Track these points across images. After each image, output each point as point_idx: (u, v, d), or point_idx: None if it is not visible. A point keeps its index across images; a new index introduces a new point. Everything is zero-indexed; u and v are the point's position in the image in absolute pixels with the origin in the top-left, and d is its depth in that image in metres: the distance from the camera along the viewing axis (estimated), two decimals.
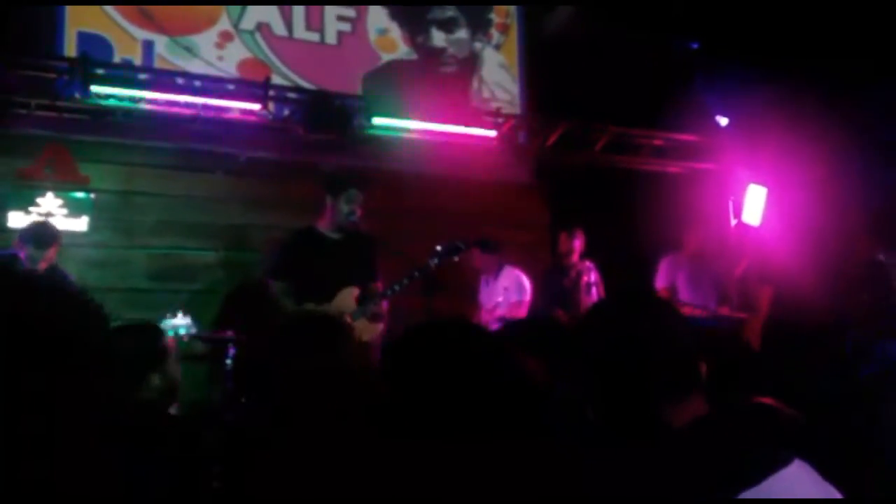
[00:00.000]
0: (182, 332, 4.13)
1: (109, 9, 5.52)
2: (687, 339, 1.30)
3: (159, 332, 2.49)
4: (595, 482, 1.13)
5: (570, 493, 1.13)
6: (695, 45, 6.70)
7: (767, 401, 1.27)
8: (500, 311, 5.35)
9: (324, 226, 4.44)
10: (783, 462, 1.11)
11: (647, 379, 1.24)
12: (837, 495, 1.17)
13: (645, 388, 1.24)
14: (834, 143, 5.82)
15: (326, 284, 4.29)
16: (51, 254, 4.24)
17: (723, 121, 6.64)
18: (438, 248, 4.43)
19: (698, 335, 1.33)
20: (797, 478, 1.13)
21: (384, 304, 4.37)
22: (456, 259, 4.55)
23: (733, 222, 6.70)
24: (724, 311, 5.47)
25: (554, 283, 5.60)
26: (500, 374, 1.26)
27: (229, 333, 4.54)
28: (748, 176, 6.51)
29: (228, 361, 4.45)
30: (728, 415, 1.20)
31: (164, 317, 4.08)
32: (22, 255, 4.18)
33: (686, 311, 4.83)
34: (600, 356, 1.30)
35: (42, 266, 4.17)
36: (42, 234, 4.26)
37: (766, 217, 6.37)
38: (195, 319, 4.28)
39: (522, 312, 5.43)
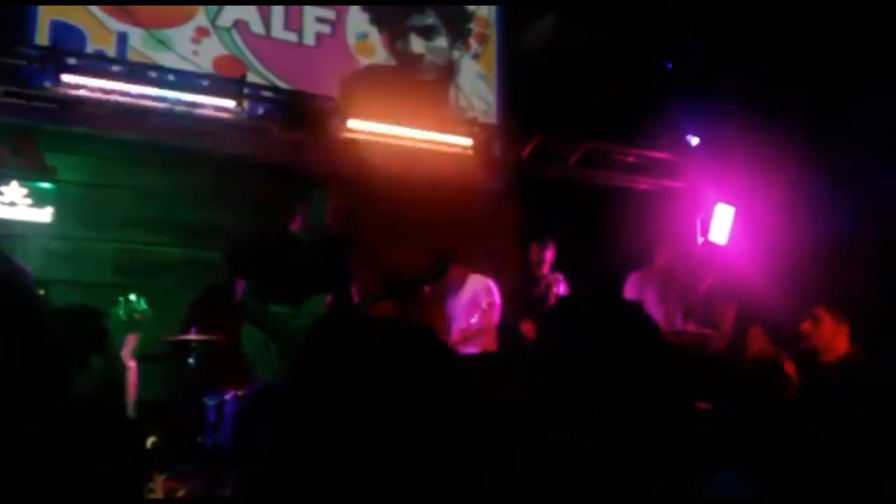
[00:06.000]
0: (138, 309, 4.02)
1: None
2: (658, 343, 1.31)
3: (99, 314, 2.51)
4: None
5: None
6: (669, 65, 6.80)
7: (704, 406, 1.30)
8: (474, 324, 5.35)
9: (296, 229, 4.39)
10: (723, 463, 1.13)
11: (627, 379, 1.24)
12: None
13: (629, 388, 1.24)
14: (802, 167, 5.93)
15: (296, 289, 4.22)
16: None
17: (694, 140, 6.73)
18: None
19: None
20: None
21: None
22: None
23: (700, 240, 6.79)
24: (690, 327, 5.55)
25: (524, 292, 5.62)
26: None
27: (192, 334, 4.47)
28: (716, 195, 6.60)
29: (190, 361, 4.39)
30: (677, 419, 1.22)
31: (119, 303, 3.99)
32: None
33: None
34: (576, 355, 1.30)
35: None
36: None
37: (732, 236, 6.47)
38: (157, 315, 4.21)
39: (495, 316, 5.45)
